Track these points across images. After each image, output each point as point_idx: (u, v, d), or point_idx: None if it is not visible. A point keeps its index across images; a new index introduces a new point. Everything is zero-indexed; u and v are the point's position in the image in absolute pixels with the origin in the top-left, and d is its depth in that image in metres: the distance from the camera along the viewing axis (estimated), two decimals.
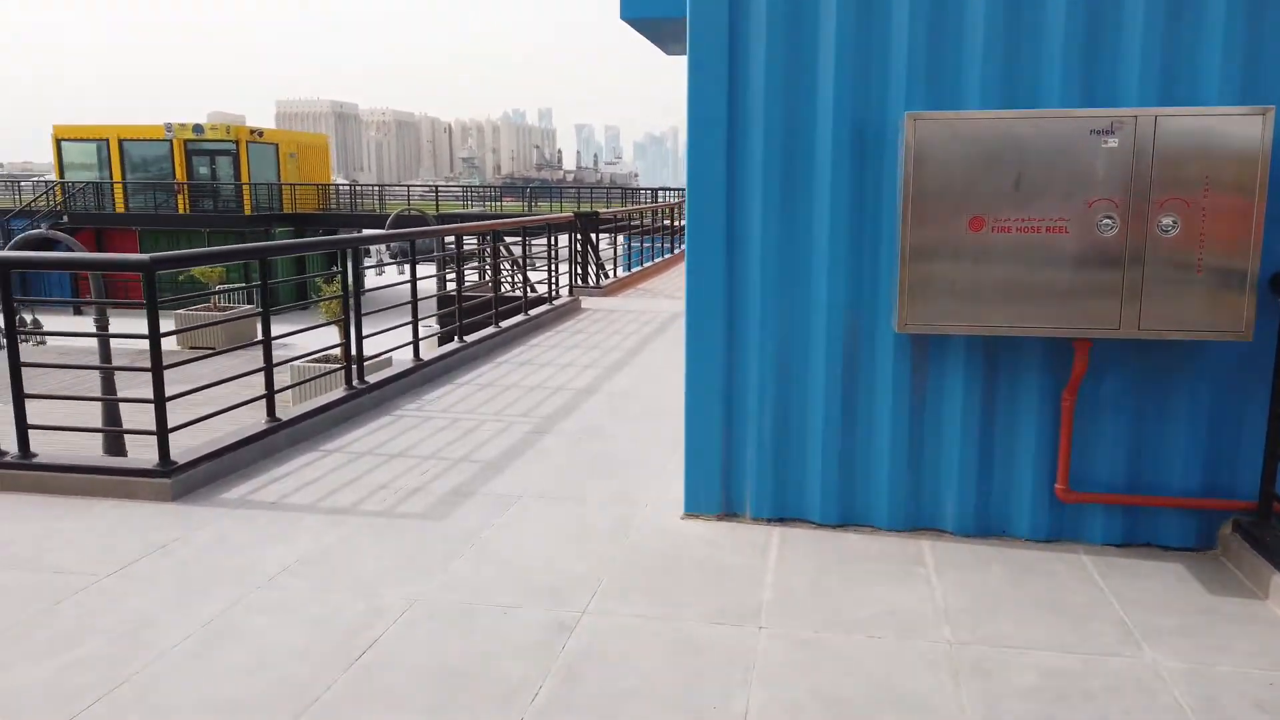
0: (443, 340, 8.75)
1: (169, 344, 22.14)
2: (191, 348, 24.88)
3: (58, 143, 33.60)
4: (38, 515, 4.18)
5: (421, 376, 7.09)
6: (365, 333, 6.32)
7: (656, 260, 16.67)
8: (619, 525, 4.16)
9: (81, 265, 4.41)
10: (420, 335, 7.21)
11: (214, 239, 31.32)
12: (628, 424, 5.98)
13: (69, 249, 13.42)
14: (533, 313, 9.86)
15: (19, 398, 4.39)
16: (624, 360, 8.09)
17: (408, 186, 38.60)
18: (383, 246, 37.27)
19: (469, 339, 8.14)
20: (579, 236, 12.22)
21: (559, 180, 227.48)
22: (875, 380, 3.97)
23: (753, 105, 3.91)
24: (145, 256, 4.22)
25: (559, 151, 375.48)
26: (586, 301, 11.76)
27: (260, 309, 5.16)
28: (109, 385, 9.16)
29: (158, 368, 4.33)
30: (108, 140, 33.29)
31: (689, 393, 4.21)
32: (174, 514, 4.22)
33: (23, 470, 4.42)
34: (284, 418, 5.34)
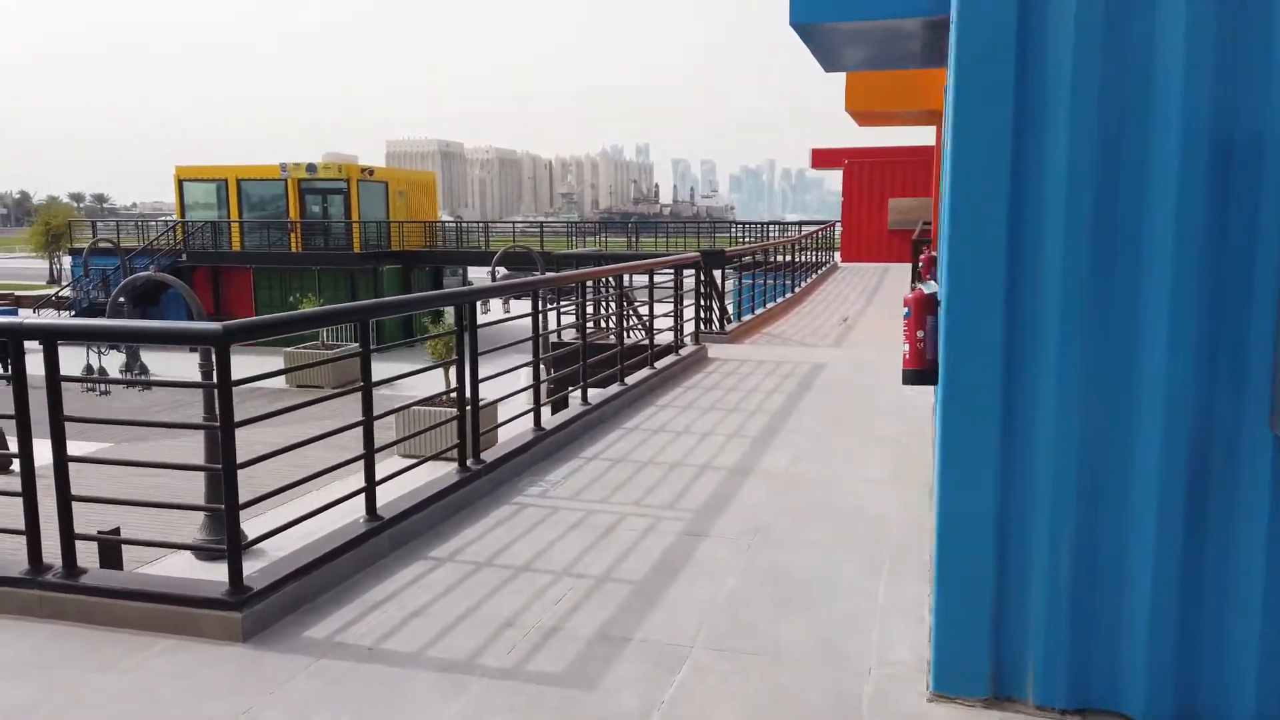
0: (554, 395, 7.73)
1: (277, 382, 22.04)
2: (299, 386, 24.86)
3: (180, 183, 34.66)
4: (74, 661, 3.23)
5: (544, 449, 6.04)
6: (480, 389, 5.30)
7: (779, 300, 15.43)
8: (839, 710, 2.94)
9: (146, 336, 3.47)
10: (543, 399, 6.18)
11: (324, 276, 31.59)
12: (803, 523, 4.77)
13: (177, 291, 13.17)
14: (658, 365, 8.77)
15: (64, 500, 3.49)
16: (773, 427, 6.87)
17: (513, 223, 38.47)
18: (487, 279, 37.02)
19: (591, 397, 7.08)
20: (701, 276, 11.10)
21: (655, 214, 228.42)
22: (1238, 505, 2.68)
23: (1051, 122, 2.73)
24: (218, 327, 3.28)
25: (656, 185, 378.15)
26: (713, 349, 10.61)
27: (362, 380, 4.19)
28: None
29: (230, 465, 3.37)
30: (226, 180, 34.16)
31: (942, 517, 2.99)
32: (242, 665, 3.21)
33: (67, 593, 3.50)
34: (386, 515, 4.34)
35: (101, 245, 32.16)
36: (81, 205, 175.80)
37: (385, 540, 4.28)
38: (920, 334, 4.35)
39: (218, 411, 3.37)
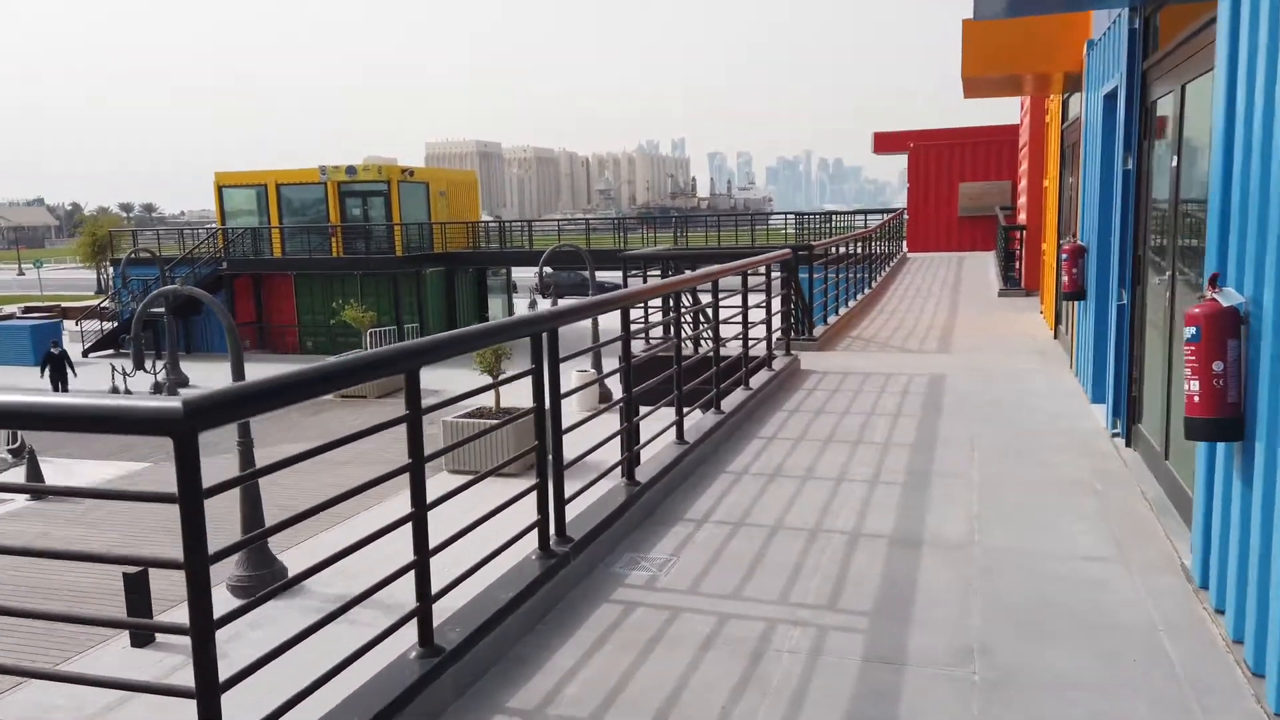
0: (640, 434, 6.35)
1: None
2: (342, 396, 23.86)
3: (219, 190, 33.97)
4: None
5: (640, 510, 4.72)
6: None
7: (858, 298, 13.95)
8: None
9: (72, 420, 2.15)
10: (640, 442, 4.86)
11: (365, 281, 30.66)
12: (1034, 637, 3.38)
13: (210, 305, 12.15)
14: (752, 383, 7.41)
15: None
16: (918, 469, 5.48)
17: (556, 221, 37.27)
18: (533, 280, 35.82)
19: (686, 430, 5.75)
20: (784, 276, 9.70)
21: (693, 208, 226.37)
22: None
23: None
24: (177, 407, 2.00)
25: (693, 180, 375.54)
26: (805, 359, 9.22)
27: (410, 457, 2.90)
28: None
29: (203, 649, 2.08)
30: (266, 185, 33.40)
31: None
32: None
33: None
34: (446, 642, 3.05)
35: (141, 255, 31.58)
36: (131, 215, 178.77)
37: (448, 683, 2.98)
38: (1218, 366, 2.94)
39: (182, 548, 2.08)
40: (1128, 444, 5.68)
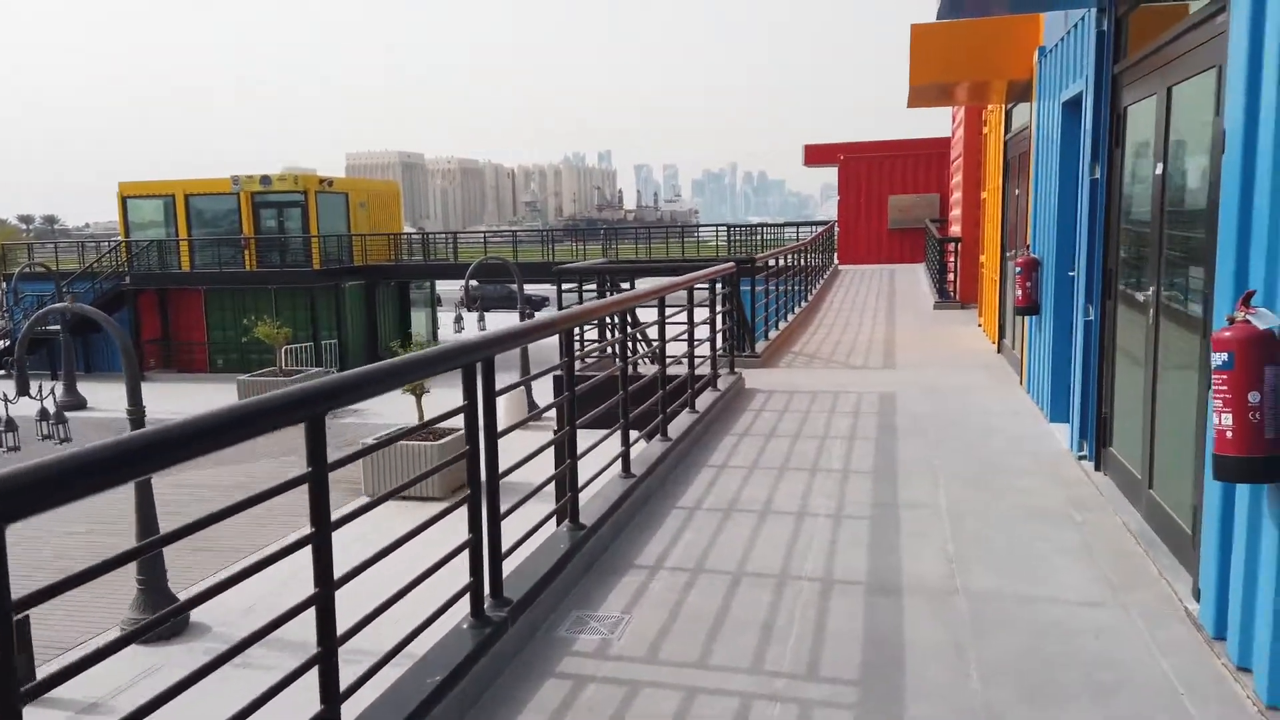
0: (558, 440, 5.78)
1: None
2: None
3: (123, 200, 32.20)
4: None
5: (585, 558, 4.19)
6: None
7: (796, 312, 13.67)
8: None
9: None
10: (583, 479, 4.32)
11: (281, 296, 29.35)
12: (1045, 702, 2.95)
13: (104, 324, 11.13)
14: (698, 405, 6.94)
15: None
16: (883, 500, 5.07)
17: (483, 233, 36.38)
18: (459, 294, 34.92)
19: (631, 461, 5.23)
20: (726, 291, 9.27)
21: (620, 220, 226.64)
22: None
23: None
24: None
25: (619, 192, 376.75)
26: (749, 377, 8.81)
27: (313, 526, 2.32)
28: None
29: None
30: (174, 196, 31.77)
31: None
32: None
33: None
34: None
35: (36, 269, 29.64)
36: (30, 228, 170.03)
37: None
38: (1254, 398, 2.56)
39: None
40: (1097, 468, 5.38)
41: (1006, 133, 9.62)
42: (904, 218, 23.81)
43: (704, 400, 7.18)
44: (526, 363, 17.12)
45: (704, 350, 7.80)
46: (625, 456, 5.17)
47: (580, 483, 4.37)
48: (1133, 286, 4.81)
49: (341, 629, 2.43)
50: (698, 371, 7.07)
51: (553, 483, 4.26)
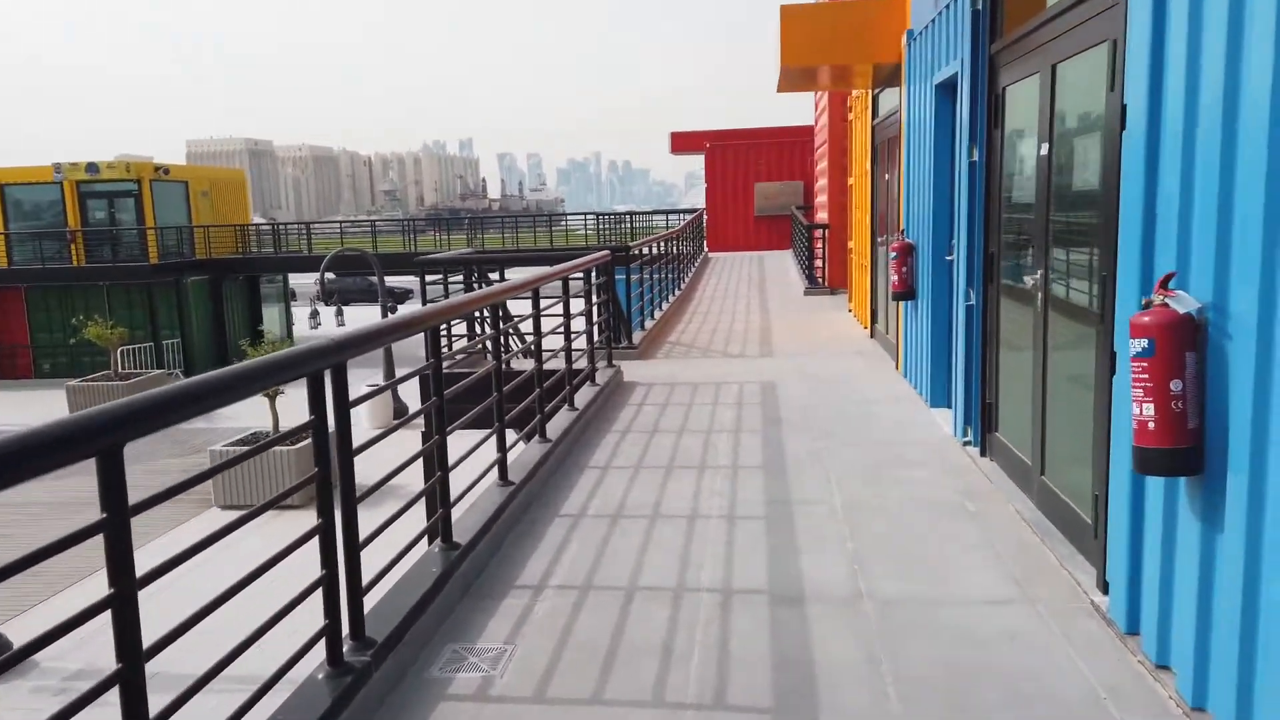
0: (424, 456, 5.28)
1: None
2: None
3: None
4: None
5: (462, 580, 3.75)
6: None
7: (671, 300, 13.48)
8: None
9: None
10: (456, 491, 3.87)
11: (114, 293, 27.05)
12: (967, 717, 2.75)
13: None
14: (577, 401, 6.57)
15: None
16: (776, 497, 4.85)
17: (340, 224, 34.66)
18: (314, 287, 33.23)
19: (509, 468, 4.80)
20: (601, 281, 8.92)
21: (485, 210, 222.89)
22: None
23: None
24: None
25: (483, 181, 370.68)
26: (627, 370, 8.50)
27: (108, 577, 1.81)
28: None
29: None
30: None
31: None
32: None
33: None
34: None
35: None
36: None
37: None
38: (1175, 386, 2.41)
39: None
40: (983, 453, 5.34)
41: (874, 118, 9.66)
42: (770, 205, 24.10)
43: (583, 396, 6.82)
44: (391, 364, 16.28)
45: (580, 344, 7.43)
46: (502, 463, 4.74)
47: (454, 495, 3.93)
48: (1018, 270, 4.74)
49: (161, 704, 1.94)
50: (575, 366, 6.69)
51: (423, 498, 3.79)
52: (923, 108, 6.79)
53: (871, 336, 9.93)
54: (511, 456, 5.04)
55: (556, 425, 5.85)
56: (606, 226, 31.38)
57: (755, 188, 24.43)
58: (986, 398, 5.27)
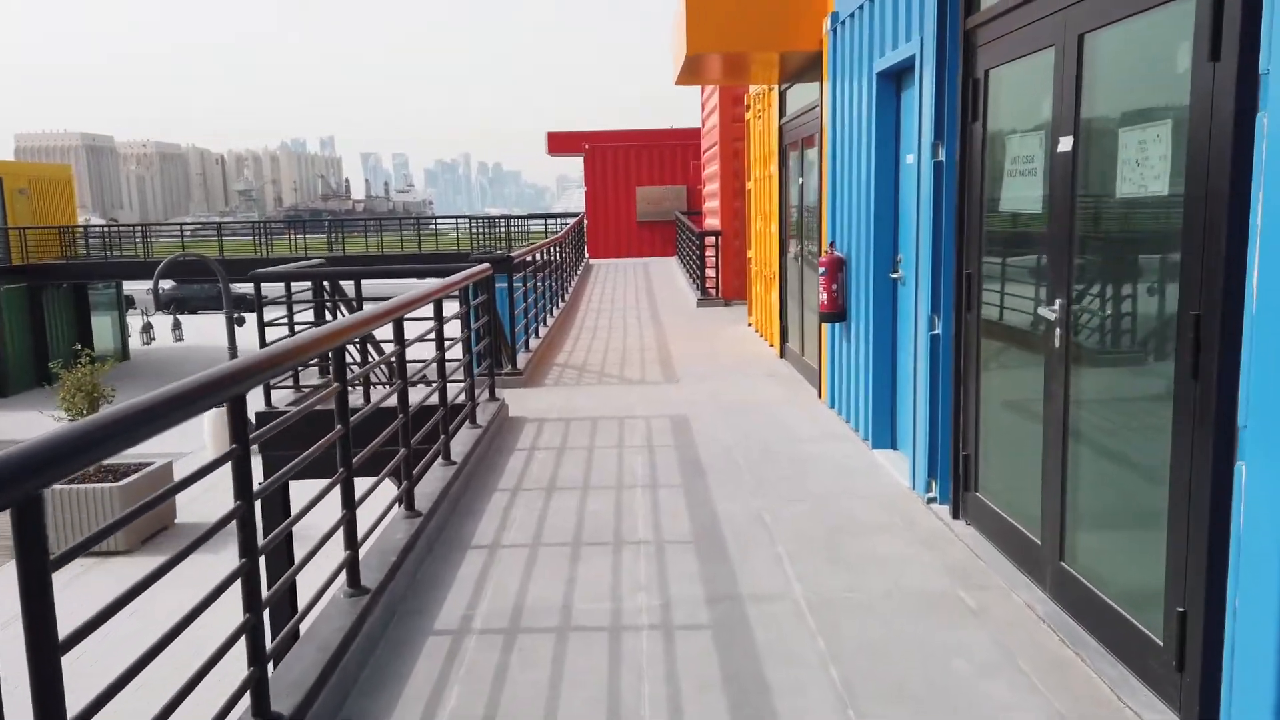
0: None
1: None
2: None
3: None
4: None
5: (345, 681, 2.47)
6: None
7: (556, 314, 12.28)
8: None
9: None
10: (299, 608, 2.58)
11: None
12: None
13: None
14: (454, 452, 5.30)
15: None
16: (725, 591, 3.76)
17: (180, 225, 31.62)
18: (148, 295, 30.30)
19: (364, 560, 3.53)
20: (482, 299, 7.63)
21: (349, 211, 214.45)
22: None
23: None
24: None
25: (346, 181, 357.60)
26: (512, 400, 7.26)
27: None
28: None
29: None
30: None
31: None
32: None
33: None
34: None
35: None
36: None
37: None
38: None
39: None
40: (956, 514, 4.42)
41: (781, 117, 8.77)
42: (653, 210, 23.21)
43: (461, 443, 5.56)
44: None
45: (458, 374, 6.16)
46: (354, 564, 3.45)
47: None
48: (1018, 296, 3.82)
49: None
50: (454, 402, 5.42)
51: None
52: (856, 101, 5.88)
53: (782, 356, 9.04)
54: (376, 550, 3.77)
55: (428, 494, 4.58)
56: (479, 231, 29.77)
57: (637, 192, 23.47)
58: (960, 447, 4.35)
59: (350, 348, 7.07)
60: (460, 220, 28.89)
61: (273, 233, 32.56)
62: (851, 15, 5.97)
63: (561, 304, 13.47)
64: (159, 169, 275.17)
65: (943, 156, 4.41)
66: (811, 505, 4.76)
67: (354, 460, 3.36)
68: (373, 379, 7.24)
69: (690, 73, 7.96)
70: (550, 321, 11.50)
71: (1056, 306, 3.34)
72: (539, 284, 11.33)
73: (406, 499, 4.32)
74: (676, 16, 7.44)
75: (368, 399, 6.90)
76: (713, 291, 13.83)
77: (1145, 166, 2.81)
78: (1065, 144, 3.26)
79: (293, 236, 32.50)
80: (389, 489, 4.53)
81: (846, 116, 6.14)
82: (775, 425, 6.45)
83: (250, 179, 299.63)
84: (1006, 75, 3.84)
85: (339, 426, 3.25)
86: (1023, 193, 3.68)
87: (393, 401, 4.33)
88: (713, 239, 13.72)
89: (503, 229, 29.22)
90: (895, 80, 5.35)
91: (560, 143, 24.70)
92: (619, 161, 23.50)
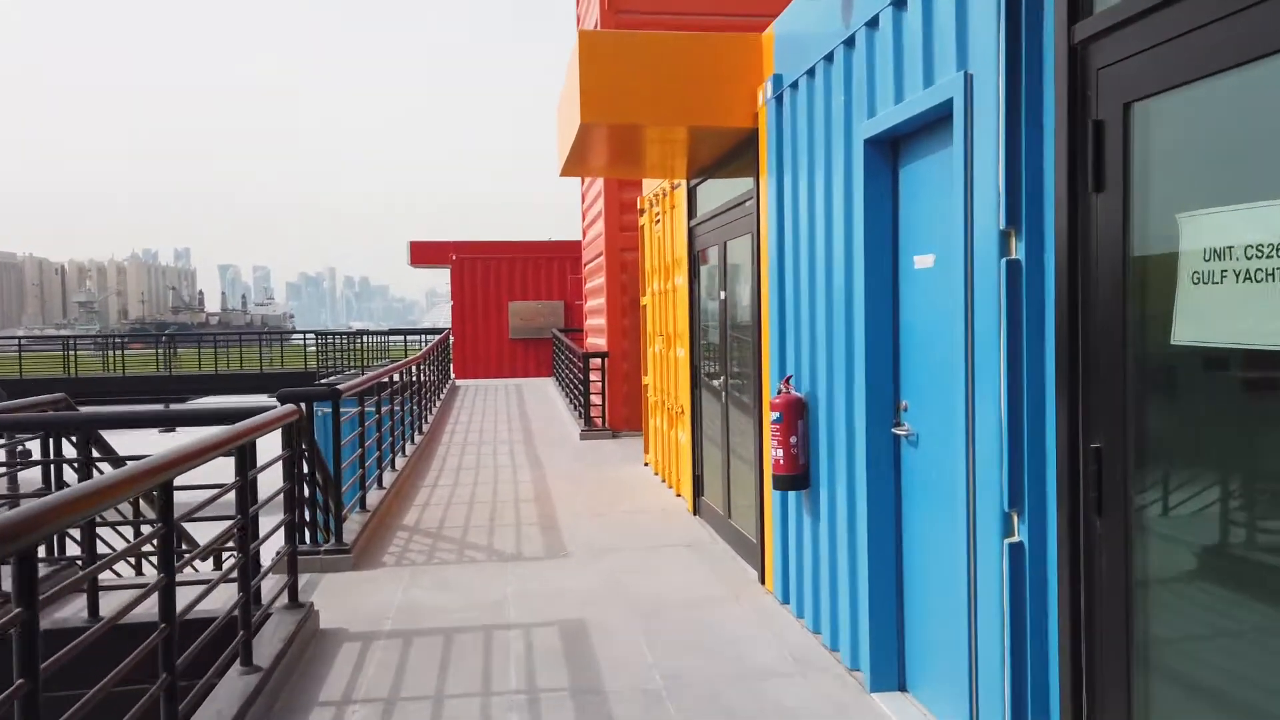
0: None
1: None
2: None
3: None
4: None
5: None
6: None
7: (410, 452, 10.02)
8: None
9: None
10: None
11: None
12: None
13: None
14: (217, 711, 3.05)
15: None
16: None
17: (18, 339, 27.43)
18: None
19: None
20: (295, 444, 5.41)
21: (201, 324, 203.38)
22: None
23: None
24: None
25: (200, 293, 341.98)
26: (328, 599, 5.02)
27: None
28: None
29: None
30: None
31: None
32: None
33: None
34: None
35: None
36: None
37: None
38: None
39: None
40: None
41: (691, 218, 7.15)
42: (527, 326, 21.38)
43: (226, 696, 3.31)
44: None
45: (250, 571, 3.94)
46: None
47: None
48: (1205, 485, 2.07)
49: None
50: (214, 625, 3.20)
51: None
52: (824, 184, 4.24)
53: (695, 513, 7.14)
54: None
55: None
56: (335, 346, 27.09)
57: (509, 307, 21.62)
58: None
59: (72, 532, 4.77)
60: (308, 335, 26.12)
61: (108, 346, 28.85)
62: (809, 73, 4.39)
63: (420, 436, 11.23)
64: None
65: (1020, 253, 2.72)
66: None
67: None
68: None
69: (579, 159, 6.25)
70: (400, 463, 9.26)
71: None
72: (394, 409, 9.15)
73: None
74: (566, 87, 5.77)
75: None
76: (599, 422, 11.92)
77: None
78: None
79: (109, 352, 28.65)
80: None
81: (806, 207, 4.49)
82: (716, 643, 4.46)
83: (93, 289, 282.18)
84: (1169, 111, 2.20)
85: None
86: (1239, 311, 1.97)
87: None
88: (598, 361, 11.91)
89: (360, 344, 26.63)
90: (891, 149, 3.74)
91: (424, 253, 22.72)
92: (489, 273, 21.69)
